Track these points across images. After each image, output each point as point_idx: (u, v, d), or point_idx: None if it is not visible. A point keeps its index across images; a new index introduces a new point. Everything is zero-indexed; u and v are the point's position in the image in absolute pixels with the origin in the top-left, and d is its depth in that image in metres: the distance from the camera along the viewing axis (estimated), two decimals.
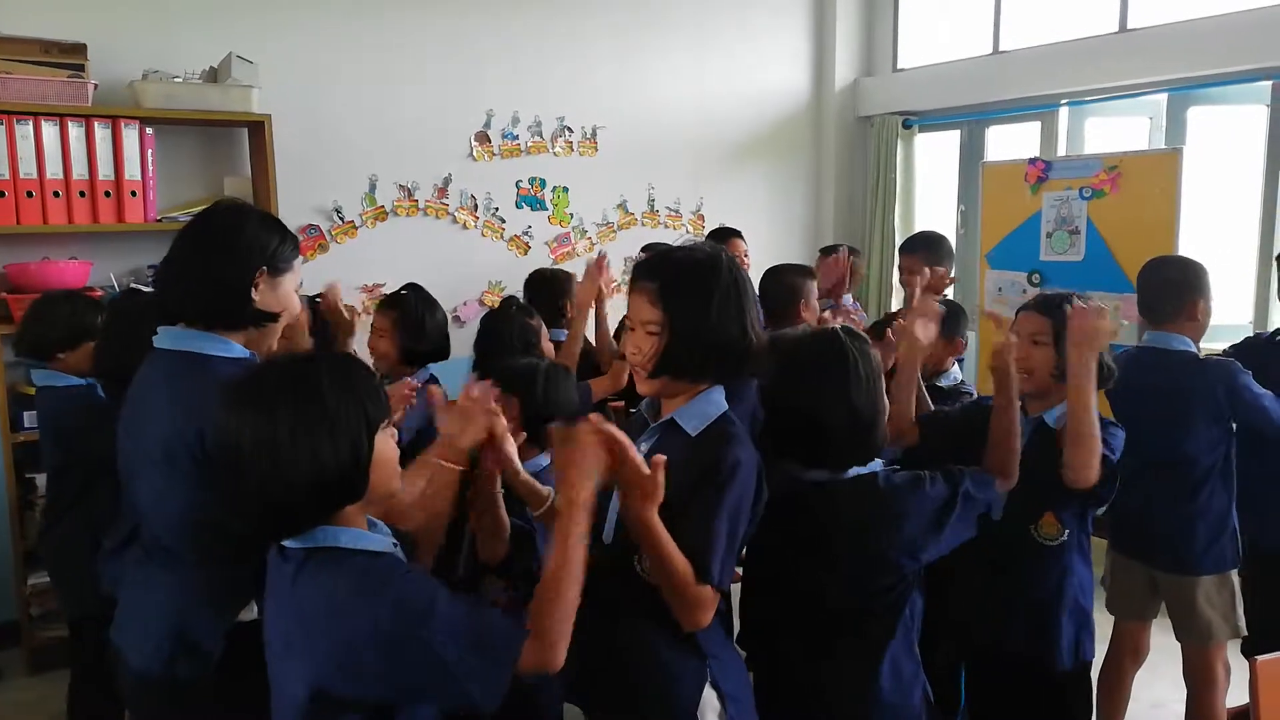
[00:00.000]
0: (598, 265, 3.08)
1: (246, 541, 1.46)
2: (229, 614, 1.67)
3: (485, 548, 1.98)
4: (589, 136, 4.86)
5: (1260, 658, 1.93)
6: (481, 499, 1.90)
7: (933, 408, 2.46)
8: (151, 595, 1.73)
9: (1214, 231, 4.19)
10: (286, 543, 1.34)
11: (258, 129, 3.78)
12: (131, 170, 3.54)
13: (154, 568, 1.73)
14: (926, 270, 3.52)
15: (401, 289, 2.93)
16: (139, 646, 1.72)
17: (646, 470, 1.47)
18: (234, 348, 1.70)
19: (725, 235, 4.10)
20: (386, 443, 1.37)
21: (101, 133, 3.47)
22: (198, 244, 1.69)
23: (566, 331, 3.29)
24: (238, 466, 1.28)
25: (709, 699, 1.63)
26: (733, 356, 1.63)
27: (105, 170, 3.49)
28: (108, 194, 3.50)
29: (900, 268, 3.71)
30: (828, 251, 4.17)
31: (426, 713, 1.39)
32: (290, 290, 1.78)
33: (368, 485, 1.34)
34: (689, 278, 1.62)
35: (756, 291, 1.76)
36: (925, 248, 3.66)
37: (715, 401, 1.67)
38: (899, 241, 5.39)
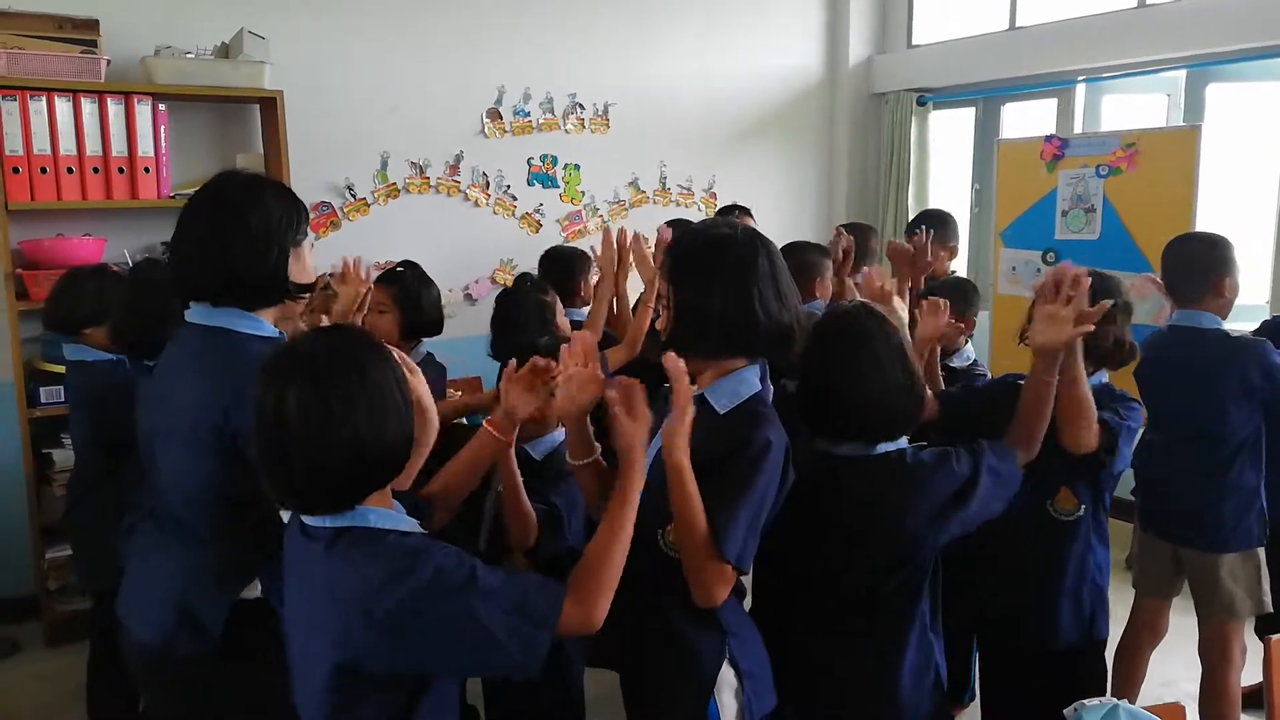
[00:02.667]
0: (618, 235, 3.07)
1: (267, 518, 1.46)
2: (233, 591, 1.67)
3: (514, 534, 1.99)
4: (601, 113, 4.83)
5: (1276, 636, 1.93)
6: (505, 485, 1.91)
7: (943, 387, 2.45)
8: (157, 569, 1.73)
9: (1232, 210, 4.15)
10: (311, 521, 1.33)
11: (270, 105, 3.77)
12: (145, 147, 3.54)
13: (164, 541, 1.74)
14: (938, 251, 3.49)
15: (397, 266, 2.95)
16: (142, 619, 1.72)
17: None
18: (265, 325, 1.70)
19: (736, 212, 4.09)
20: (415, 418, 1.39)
21: (114, 109, 3.47)
22: (219, 222, 1.65)
23: (583, 310, 3.30)
24: (280, 440, 1.26)
25: (726, 676, 1.63)
26: (741, 335, 1.62)
27: (118, 147, 3.49)
28: (121, 170, 3.51)
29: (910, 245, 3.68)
30: (845, 229, 4.14)
31: (450, 686, 1.41)
32: (310, 258, 1.77)
33: (408, 461, 1.35)
34: (692, 255, 1.64)
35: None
36: (936, 226, 3.64)
37: (748, 381, 1.66)
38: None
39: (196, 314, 1.70)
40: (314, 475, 1.27)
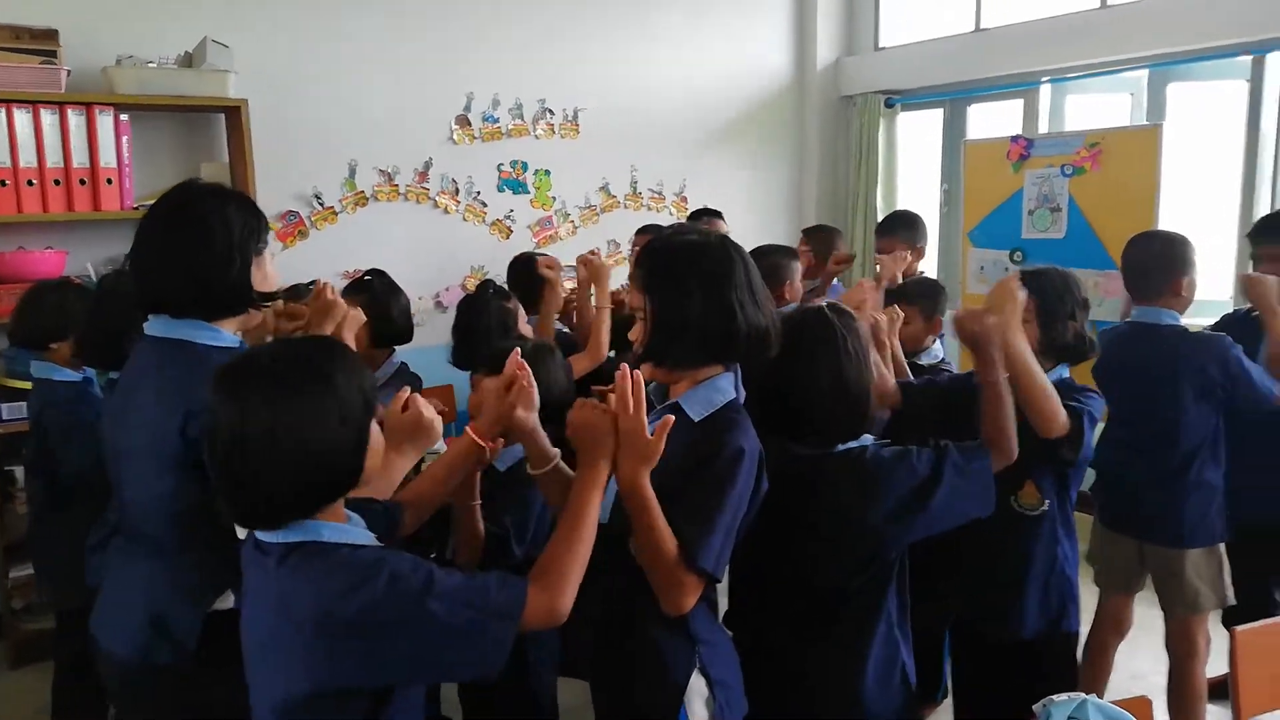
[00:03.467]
0: (552, 268, 3.23)
1: (230, 530, 1.45)
2: (206, 602, 1.67)
3: (461, 552, 1.99)
4: (571, 119, 4.83)
5: (1239, 628, 1.96)
6: (459, 502, 1.91)
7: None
8: (130, 583, 1.72)
9: (1194, 207, 4.20)
10: (264, 536, 1.31)
11: (234, 114, 3.74)
12: (107, 158, 3.49)
13: (134, 556, 1.73)
14: (907, 253, 3.51)
15: (365, 275, 2.95)
16: (116, 634, 1.71)
17: (647, 432, 1.49)
18: (225, 336, 1.69)
19: (707, 216, 4.10)
20: (377, 430, 1.36)
21: (76, 120, 3.42)
22: (183, 233, 1.64)
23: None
24: (235, 452, 1.24)
25: (696, 685, 1.63)
26: (719, 342, 1.62)
27: (80, 158, 3.45)
28: (83, 182, 3.46)
29: (877, 249, 3.71)
30: (810, 232, 4.17)
31: (415, 691, 1.39)
32: (271, 267, 1.76)
33: (363, 474, 1.32)
34: (668, 265, 1.63)
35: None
36: (904, 228, 3.66)
37: (722, 388, 1.65)
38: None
39: (155, 326, 1.69)
40: (263, 489, 1.25)
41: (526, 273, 3.38)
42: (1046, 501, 2.18)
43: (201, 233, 1.63)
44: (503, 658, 1.29)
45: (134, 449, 1.68)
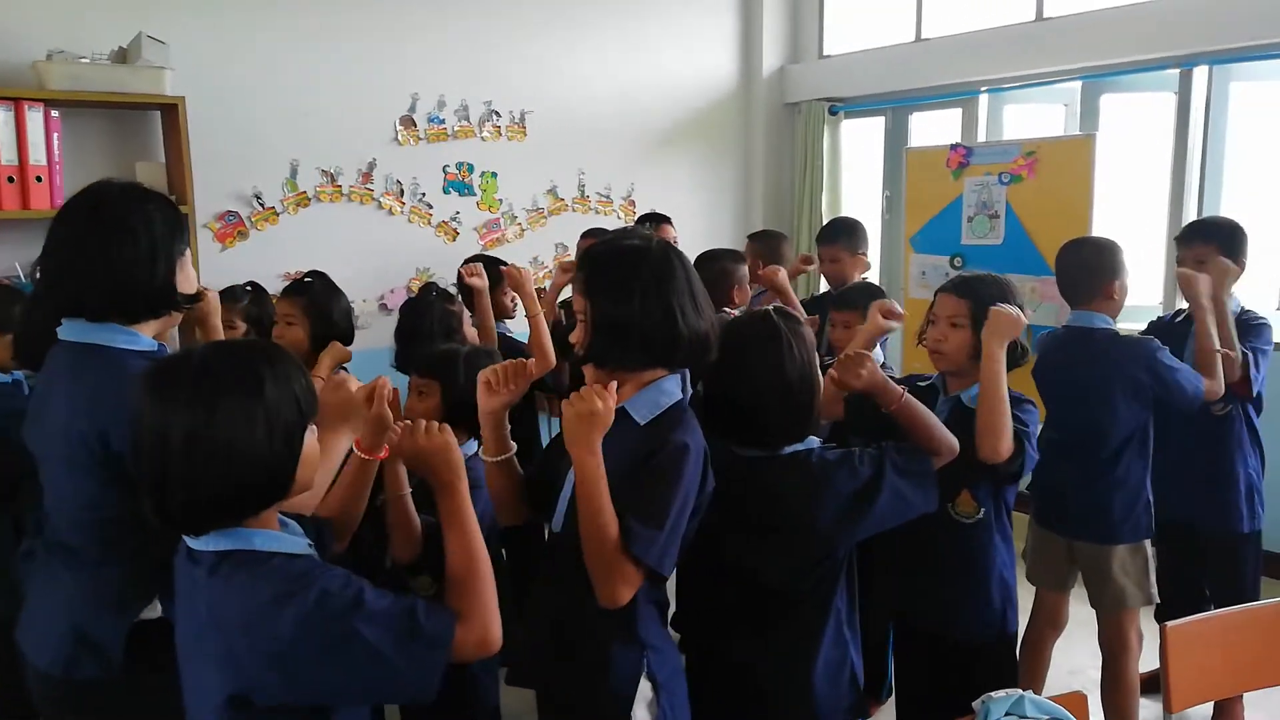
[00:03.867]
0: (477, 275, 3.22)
1: (155, 539, 1.41)
2: (130, 613, 1.62)
3: (397, 546, 1.97)
4: (517, 121, 4.81)
5: (1170, 623, 2.01)
6: (390, 495, 1.89)
7: None
8: (52, 594, 1.67)
9: (1126, 215, 4.33)
10: (194, 544, 1.27)
11: (171, 112, 3.65)
12: (36, 155, 3.38)
13: (55, 566, 1.68)
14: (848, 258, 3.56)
15: (305, 276, 2.91)
16: (39, 647, 1.66)
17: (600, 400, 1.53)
18: (143, 340, 1.65)
19: (654, 221, 4.11)
20: (311, 438, 1.32)
21: (3, 115, 3.31)
22: (102, 234, 1.60)
23: (506, 323, 3.35)
24: (157, 453, 1.20)
25: (643, 690, 1.63)
26: (661, 346, 1.63)
27: (8, 155, 3.33)
28: (11, 180, 3.35)
29: (820, 256, 3.75)
30: (756, 238, 4.18)
31: (360, 713, 1.37)
32: (190, 269, 1.74)
33: (294, 483, 1.29)
34: (608, 269, 1.64)
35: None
36: (845, 235, 3.69)
37: (667, 391, 1.67)
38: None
39: (69, 330, 1.64)
40: (184, 492, 1.21)
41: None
42: (983, 510, 2.22)
43: (122, 233, 1.59)
44: (433, 685, 1.25)
45: (50, 457, 1.64)
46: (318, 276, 2.89)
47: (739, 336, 1.80)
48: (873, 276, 5.36)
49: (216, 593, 1.23)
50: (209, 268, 3.86)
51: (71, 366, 1.63)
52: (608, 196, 5.16)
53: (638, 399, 1.65)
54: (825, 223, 5.29)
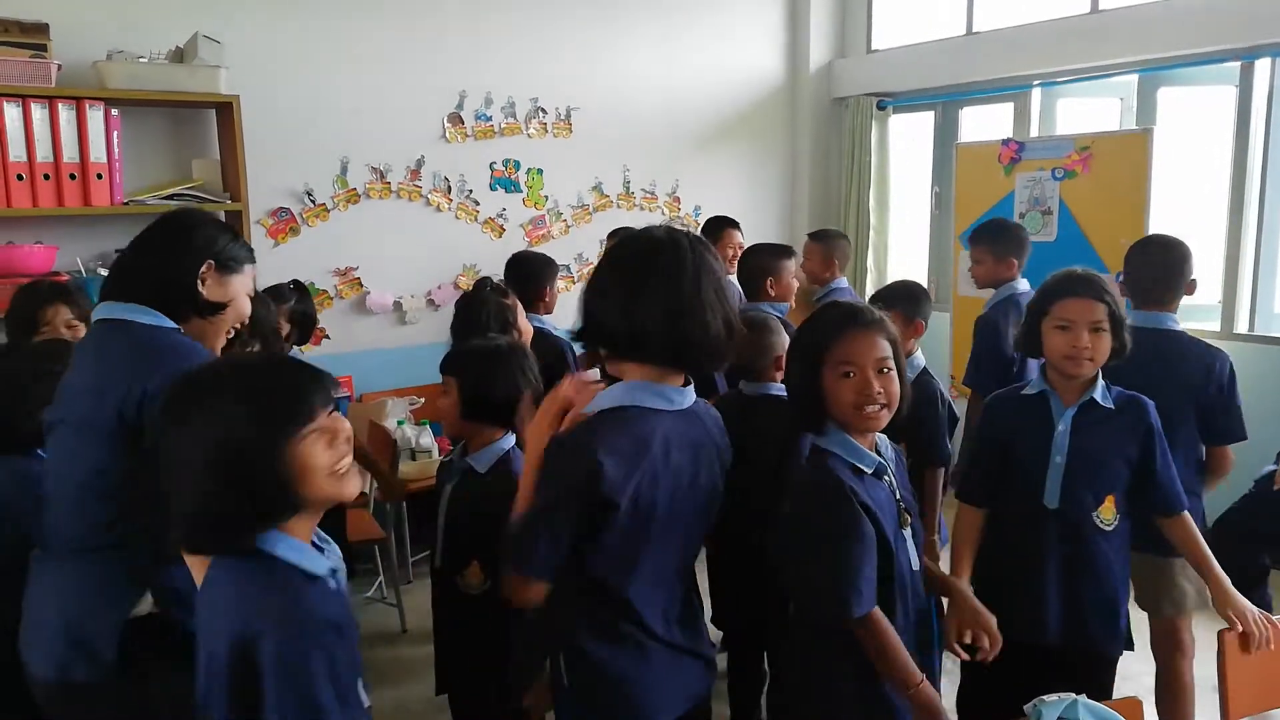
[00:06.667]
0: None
1: (150, 526, 1.39)
2: (122, 609, 1.63)
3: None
4: (563, 118, 4.83)
5: (1226, 629, 1.97)
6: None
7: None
8: (45, 598, 1.69)
9: (1183, 212, 4.23)
10: None
11: (226, 110, 3.72)
12: (97, 152, 3.47)
13: (49, 564, 1.70)
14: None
15: (289, 284, 3.20)
16: (36, 653, 1.67)
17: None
18: (164, 320, 1.72)
19: (720, 225, 4.10)
20: (312, 450, 1.23)
21: (66, 114, 3.40)
22: (152, 241, 1.79)
23: (545, 318, 3.33)
24: (164, 472, 1.24)
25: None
26: (624, 340, 1.54)
27: (70, 153, 3.42)
28: (73, 176, 3.44)
29: (971, 257, 3.56)
30: (816, 236, 4.06)
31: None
32: (240, 291, 1.82)
33: (292, 503, 1.24)
34: (600, 266, 1.64)
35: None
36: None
37: (629, 394, 1.55)
38: (874, 223, 5.42)
39: (102, 310, 1.76)
40: (182, 509, 1.22)
41: (525, 270, 3.38)
42: (1118, 516, 2.16)
43: (166, 243, 1.77)
44: None
45: (64, 420, 1.71)
46: (295, 284, 3.23)
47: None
48: (919, 274, 5.33)
49: (216, 570, 1.26)
50: (262, 264, 3.89)
51: (99, 336, 1.75)
52: (653, 193, 5.16)
53: (602, 395, 1.57)
54: (880, 218, 5.22)
